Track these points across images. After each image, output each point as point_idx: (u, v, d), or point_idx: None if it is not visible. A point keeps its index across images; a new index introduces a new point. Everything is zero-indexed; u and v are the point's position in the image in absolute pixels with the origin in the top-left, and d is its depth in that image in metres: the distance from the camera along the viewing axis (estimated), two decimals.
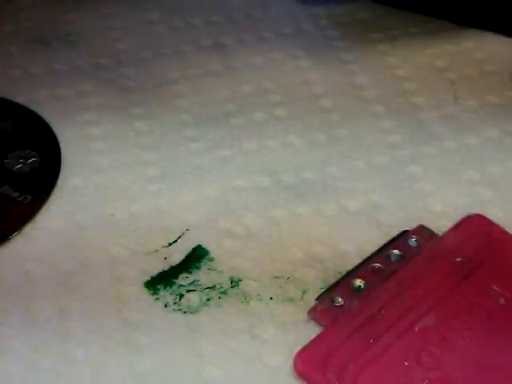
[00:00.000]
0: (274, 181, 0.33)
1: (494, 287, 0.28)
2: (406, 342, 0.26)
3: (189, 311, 0.28)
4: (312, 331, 0.27)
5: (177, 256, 0.30)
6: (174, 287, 0.29)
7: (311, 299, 0.28)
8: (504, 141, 0.35)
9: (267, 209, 0.32)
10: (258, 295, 0.29)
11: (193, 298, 0.29)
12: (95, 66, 0.39)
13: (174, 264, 0.30)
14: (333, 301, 0.28)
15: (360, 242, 0.31)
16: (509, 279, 0.29)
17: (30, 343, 0.27)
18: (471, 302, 0.28)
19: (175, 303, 0.28)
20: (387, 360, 0.26)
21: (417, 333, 0.27)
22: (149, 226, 0.31)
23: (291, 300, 0.29)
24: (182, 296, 0.29)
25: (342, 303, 0.28)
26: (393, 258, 0.30)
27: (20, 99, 0.37)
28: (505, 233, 0.30)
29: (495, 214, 0.32)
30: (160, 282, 0.29)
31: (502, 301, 0.28)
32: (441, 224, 0.31)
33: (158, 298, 0.29)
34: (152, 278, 0.29)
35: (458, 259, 0.29)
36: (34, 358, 0.27)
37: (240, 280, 0.29)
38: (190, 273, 0.29)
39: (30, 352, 0.27)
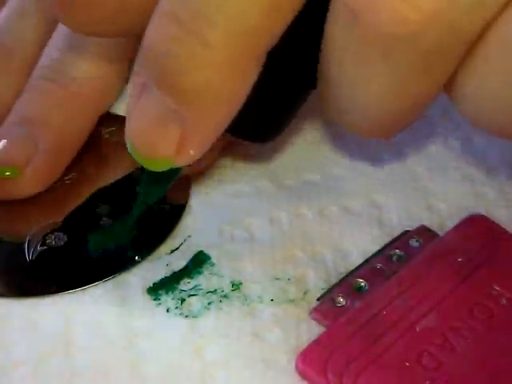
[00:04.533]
0: (276, 183, 0.33)
1: (496, 287, 0.28)
2: (407, 342, 0.26)
3: (190, 315, 0.28)
4: (314, 331, 0.27)
5: (179, 262, 0.30)
6: (176, 292, 0.29)
7: (313, 300, 0.28)
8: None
9: (268, 211, 0.32)
10: (259, 297, 0.29)
11: (194, 303, 0.29)
12: None
13: (175, 270, 0.30)
14: (334, 301, 0.28)
15: (361, 242, 0.31)
16: (510, 279, 0.28)
17: (32, 349, 0.27)
18: (473, 302, 0.28)
19: (177, 308, 0.28)
20: (388, 360, 0.26)
21: (418, 333, 0.27)
22: None
23: (292, 301, 0.29)
24: (183, 301, 0.29)
25: (343, 303, 0.28)
26: (394, 259, 0.29)
27: None
28: (506, 233, 0.30)
29: (497, 214, 0.31)
30: (162, 287, 0.29)
31: (504, 301, 0.28)
32: (443, 224, 0.31)
33: (159, 304, 0.29)
34: (154, 284, 0.29)
35: (460, 259, 0.29)
36: (36, 364, 0.27)
37: (241, 283, 0.29)
38: (192, 278, 0.29)
39: (32, 357, 0.27)
